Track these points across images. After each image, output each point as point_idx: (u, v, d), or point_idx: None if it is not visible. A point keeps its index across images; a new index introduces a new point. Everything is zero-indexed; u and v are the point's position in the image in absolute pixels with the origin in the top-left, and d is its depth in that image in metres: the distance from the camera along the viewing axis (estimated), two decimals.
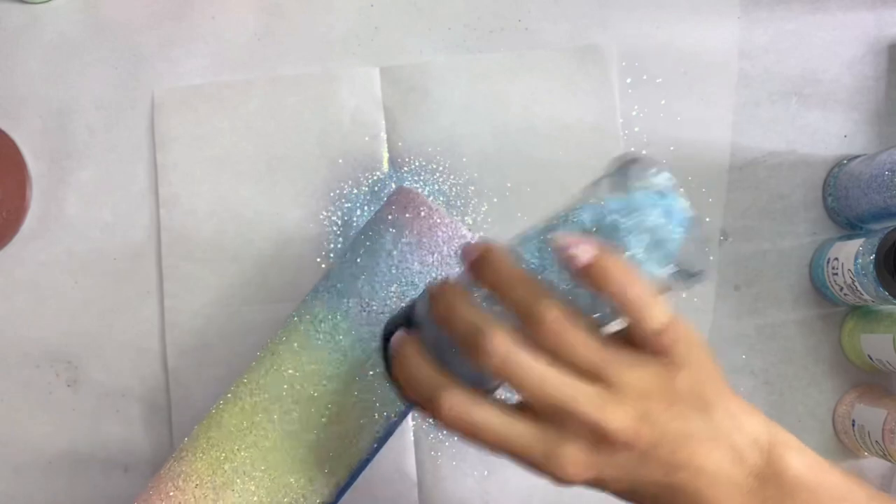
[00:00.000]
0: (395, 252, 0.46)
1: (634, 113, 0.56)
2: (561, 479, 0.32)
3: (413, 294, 0.45)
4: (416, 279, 0.45)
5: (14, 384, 0.55)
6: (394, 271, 0.45)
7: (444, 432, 0.52)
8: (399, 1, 0.56)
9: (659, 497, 0.32)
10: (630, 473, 0.32)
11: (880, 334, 0.51)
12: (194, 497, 0.43)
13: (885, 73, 0.56)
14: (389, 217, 0.47)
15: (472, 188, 0.55)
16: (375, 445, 0.45)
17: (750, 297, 0.55)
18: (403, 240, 0.46)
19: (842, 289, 0.51)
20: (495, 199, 0.55)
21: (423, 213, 0.46)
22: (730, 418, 0.32)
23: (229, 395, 0.45)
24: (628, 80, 0.56)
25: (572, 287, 0.33)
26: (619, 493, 0.33)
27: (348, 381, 0.44)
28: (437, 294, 0.34)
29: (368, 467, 0.54)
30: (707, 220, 0.55)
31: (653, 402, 0.31)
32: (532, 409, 0.32)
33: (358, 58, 0.56)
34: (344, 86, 0.56)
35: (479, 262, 0.33)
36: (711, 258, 0.55)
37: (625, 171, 0.33)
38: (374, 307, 0.45)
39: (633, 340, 0.32)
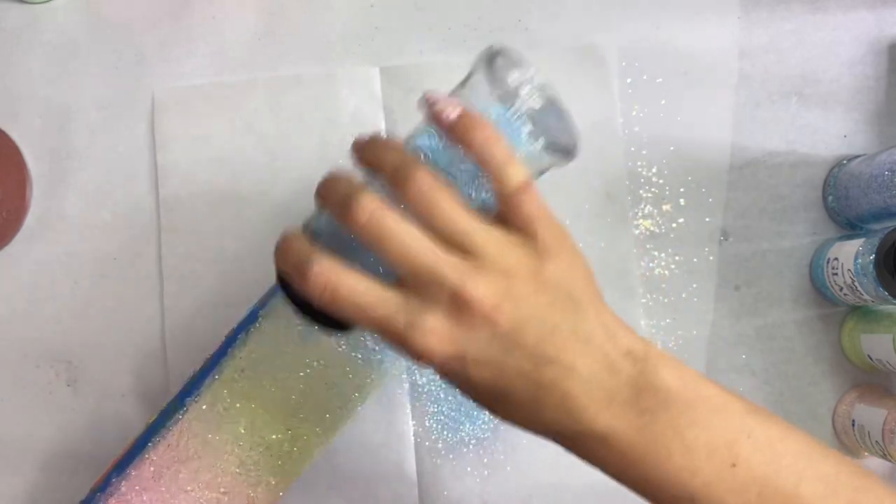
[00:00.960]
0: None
1: (634, 113, 0.56)
2: (420, 351, 0.31)
3: None
4: None
5: (14, 384, 0.55)
6: None
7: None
8: (399, 1, 0.56)
9: (526, 398, 0.31)
10: (494, 357, 0.30)
11: (880, 334, 0.51)
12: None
13: (885, 73, 0.56)
14: None
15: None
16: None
17: (750, 297, 0.55)
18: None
19: (842, 289, 0.51)
20: None
21: None
22: (602, 325, 0.32)
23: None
24: (628, 80, 0.56)
25: (450, 161, 0.34)
26: (483, 389, 0.32)
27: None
28: (322, 180, 0.33)
29: (368, 467, 0.54)
30: (707, 220, 0.55)
31: (517, 282, 0.31)
32: (403, 283, 0.31)
33: (358, 58, 0.56)
34: (344, 86, 0.56)
35: (363, 146, 0.34)
36: (711, 258, 0.55)
37: (492, 64, 0.35)
38: None
39: (502, 220, 0.32)
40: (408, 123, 0.55)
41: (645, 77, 0.56)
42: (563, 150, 0.34)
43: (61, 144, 0.56)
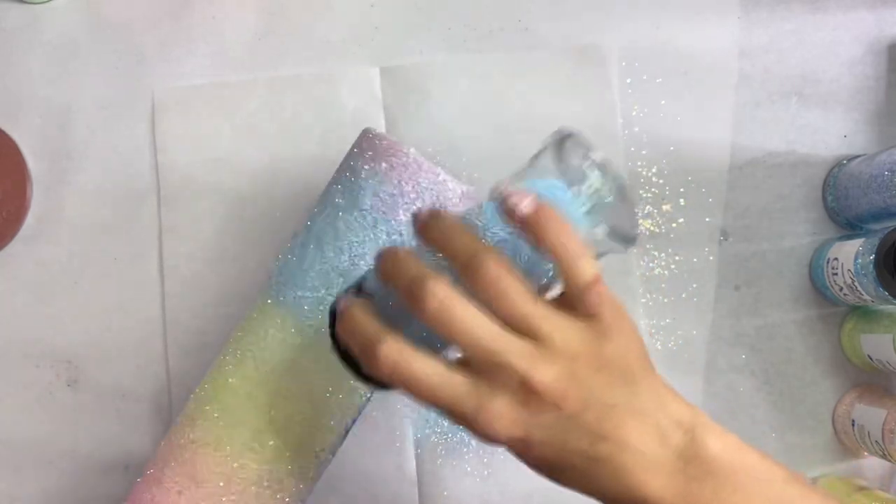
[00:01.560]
0: (377, 206, 0.45)
1: (634, 113, 0.56)
2: (488, 433, 0.32)
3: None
4: (404, 230, 0.45)
5: (14, 384, 0.55)
6: (380, 226, 0.45)
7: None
8: (399, 1, 0.56)
9: (583, 471, 0.32)
10: (556, 437, 0.32)
11: (880, 334, 0.51)
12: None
13: (885, 73, 0.56)
14: (366, 168, 0.46)
15: (473, 188, 0.55)
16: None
17: (750, 297, 0.55)
18: (384, 191, 0.45)
19: (841, 289, 0.51)
20: None
21: (402, 161, 0.45)
22: (655, 396, 0.33)
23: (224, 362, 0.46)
24: (628, 80, 0.56)
25: (515, 248, 0.34)
26: (544, 464, 0.33)
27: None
28: (383, 254, 0.34)
29: (368, 467, 0.54)
30: (707, 220, 0.55)
31: (581, 365, 0.32)
32: (467, 364, 0.32)
33: (358, 58, 0.56)
34: (344, 86, 0.56)
35: (426, 224, 0.34)
36: (711, 258, 0.55)
37: (561, 145, 0.35)
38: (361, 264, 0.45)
39: (566, 303, 0.33)
40: (407, 123, 0.55)
41: (645, 77, 0.56)
42: (625, 238, 0.34)
43: (61, 144, 0.56)
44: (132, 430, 0.54)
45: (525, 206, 0.32)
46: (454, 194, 0.45)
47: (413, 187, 0.44)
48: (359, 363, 0.35)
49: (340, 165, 0.48)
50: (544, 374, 0.31)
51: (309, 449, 0.45)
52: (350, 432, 0.54)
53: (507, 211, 0.33)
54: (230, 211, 0.55)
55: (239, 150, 0.56)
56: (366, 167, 0.46)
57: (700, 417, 0.33)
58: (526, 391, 0.31)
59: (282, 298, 0.46)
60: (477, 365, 0.32)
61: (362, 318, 0.33)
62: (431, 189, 0.45)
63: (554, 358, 0.32)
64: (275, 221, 0.55)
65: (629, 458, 0.32)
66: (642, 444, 0.32)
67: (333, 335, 0.37)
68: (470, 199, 0.46)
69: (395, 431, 0.54)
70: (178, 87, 0.56)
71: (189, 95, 0.56)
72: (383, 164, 0.45)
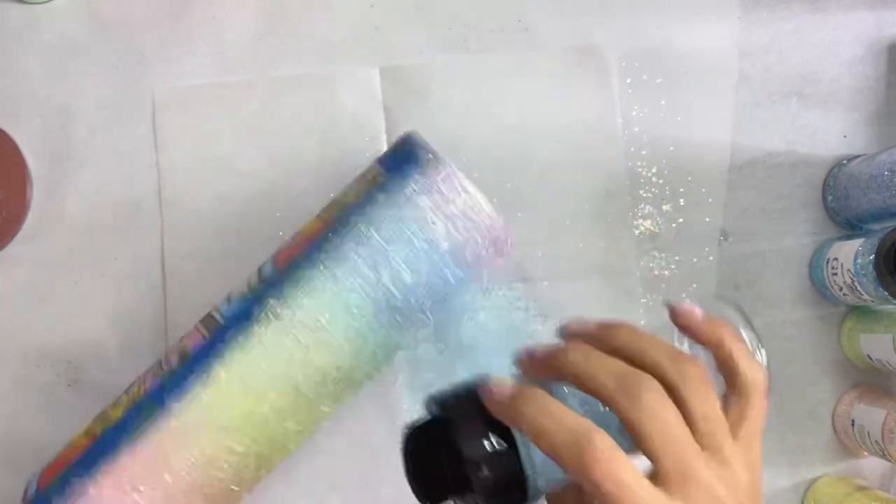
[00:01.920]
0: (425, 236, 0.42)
1: (634, 113, 0.56)
2: None
3: (441, 288, 0.43)
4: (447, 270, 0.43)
5: (14, 384, 0.55)
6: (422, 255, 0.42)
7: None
8: (399, 1, 0.56)
9: None
10: None
11: (880, 334, 0.51)
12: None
13: (885, 73, 0.56)
14: (415, 187, 0.42)
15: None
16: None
17: (750, 297, 0.55)
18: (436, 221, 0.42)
19: (841, 289, 0.51)
20: (495, 199, 0.55)
21: (456, 194, 0.42)
22: None
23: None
24: (628, 80, 0.56)
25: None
26: None
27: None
28: (521, 398, 0.30)
29: (368, 467, 0.54)
30: (707, 220, 0.55)
31: (740, 478, 0.30)
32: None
33: (358, 58, 0.56)
34: (344, 86, 0.56)
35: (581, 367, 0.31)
36: (711, 258, 0.55)
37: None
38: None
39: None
40: (408, 123, 0.55)
41: (645, 77, 0.56)
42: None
43: (62, 144, 0.56)
44: None
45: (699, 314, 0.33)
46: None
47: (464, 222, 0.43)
48: (432, 482, 0.32)
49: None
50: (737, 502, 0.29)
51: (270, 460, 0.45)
52: (350, 433, 0.54)
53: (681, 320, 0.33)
54: (230, 211, 0.55)
55: (239, 150, 0.56)
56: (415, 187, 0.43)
57: None
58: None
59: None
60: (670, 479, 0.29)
61: (555, 408, 0.29)
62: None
63: (740, 490, 0.30)
64: (275, 221, 0.55)
65: None
66: None
67: (412, 457, 0.33)
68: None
69: (396, 431, 0.54)
70: (178, 87, 0.56)
71: (189, 95, 0.56)
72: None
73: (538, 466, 0.31)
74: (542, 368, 0.32)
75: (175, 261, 0.55)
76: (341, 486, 0.54)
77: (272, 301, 0.43)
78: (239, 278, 0.55)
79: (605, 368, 0.30)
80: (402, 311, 0.42)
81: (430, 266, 0.42)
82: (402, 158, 0.44)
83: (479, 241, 0.42)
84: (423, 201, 0.42)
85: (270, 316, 0.42)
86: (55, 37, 0.56)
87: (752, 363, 0.32)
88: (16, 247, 0.55)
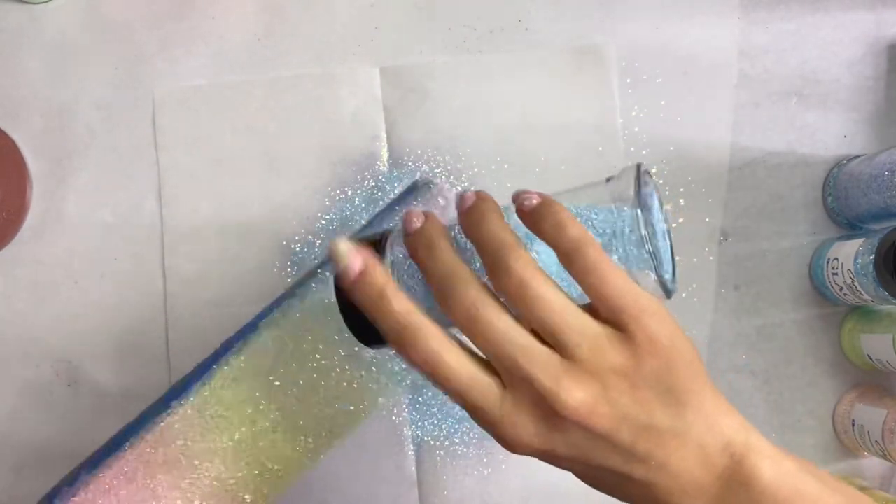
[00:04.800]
0: None
1: (634, 113, 0.56)
2: (510, 442, 0.31)
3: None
4: None
5: (14, 384, 0.55)
6: None
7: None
8: (399, 1, 0.56)
9: (613, 486, 0.31)
10: (585, 455, 0.30)
11: (880, 334, 0.51)
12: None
13: (884, 74, 0.56)
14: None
15: (472, 188, 0.55)
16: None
17: (750, 297, 0.55)
18: None
19: (841, 289, 0.51)
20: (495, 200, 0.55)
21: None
22: (702, 416, 0.30)
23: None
24: (628, 80, 0.56)
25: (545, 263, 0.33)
26: (574, 472, 0.32)
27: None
28: (418, 232, 0.32)
29: (368, 467, 0.54)
30: (707, 220, 0.55)
31: (614, 382, 0.29)
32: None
33: (358, 58, 0.56)
34: (344, 86, 0.56)
35: (469, 210, 0.32)
36: (711, 258, 0.55)
37: (631, 180, 0.32)
38: None
39: (595, 311, 0.31)
40: (407, 124, 0.55)
41: (645, 77, 0.56)
42: (666, 291, 0.32)
43: (62, 144, 0.56)
44: None
45: (534, 199, 0.31)
46: None
47: None
48: (364, 323, 0.33)
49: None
50: (571, 394, 0.29)
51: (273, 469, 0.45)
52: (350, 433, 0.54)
53: (517, 205, 0.32)
54: (230, 211, 0.55)
55: (239, 150, 0.56)
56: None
57: (754, 439, 0.30)
58: (551, 409, 0.29)
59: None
60: (503, 373, 0.30)
61: (396, 299, 0.31)
62: None
63: (582, 373, 0.29)
64: (275, 221, 0.55)
65: (665, 480, 0.30)
66: (681, 467, 0.29)
67: (339, 290, 0.34)
68: None
69: (395, 431, 0.54)
70: (178, 87, 0.56)
71: (189, 96, 0.56)
72: None
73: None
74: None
75: (175, 260, 0.55)
76: (341, 485, 0.54)
77: (276, 311, 0.46)
78: (238, 278, 0.55)
79: (437, 262, 0.31)
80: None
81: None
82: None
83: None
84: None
85: (269, 324, 0.45)
86: (55, 37, 0.56)
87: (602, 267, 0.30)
88: (16, 247, 0.55)
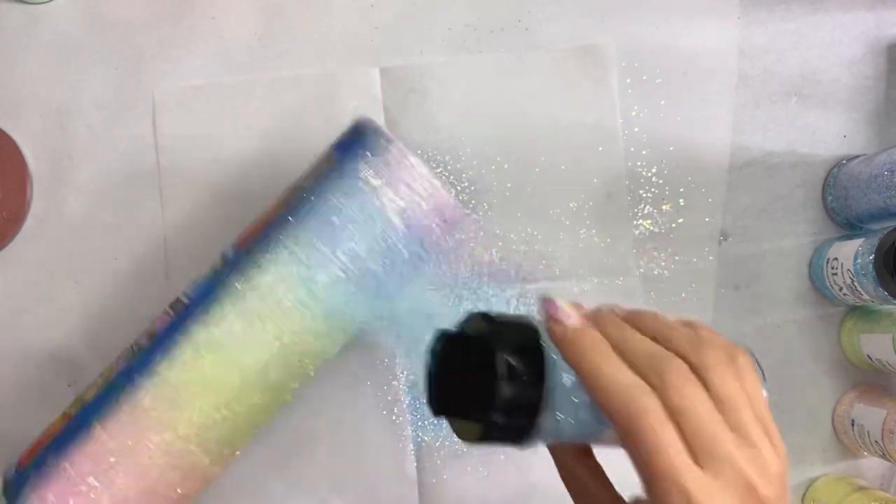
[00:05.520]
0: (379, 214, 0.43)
1: (634, 113, 0.56)
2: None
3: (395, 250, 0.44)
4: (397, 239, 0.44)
5: (14, 384, 0.55)
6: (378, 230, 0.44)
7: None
8: (399, 1, 0.56)
9: None
10: None
11: (880, 334, 0.51)
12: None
13: (884, 73, 0.56)
14: (363, 164, 0.44)
15: (473, 188, 0.55)
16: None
17: (750, 297, 0.55)
18: (387, 200, 0.43)
19: (841, 289, 0.51)
20: (495, 200, 0.55)
21: (402, 168, 0.43)
22: None
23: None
24: (628, 81, 0.56)
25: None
26: None
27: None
28: (586, 336, 0.31)
29: (368, 467, 0.54)
30: (707, 220, 0.55)
31: (781, 471, 0.33)
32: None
33: (358, 58, 0.56)
34: (344, 86, 0.56)
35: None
36: (711, 258, 0.55)
37: None
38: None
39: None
40: (407, 124, 0.55)
41: (645, 77, 0.56)
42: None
43: (62, 144, 0.56)
44: None
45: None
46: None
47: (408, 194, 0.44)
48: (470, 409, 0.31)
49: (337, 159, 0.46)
50: (768, 488, 0.31)
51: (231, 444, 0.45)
52: (350, 432, 0.54)
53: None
54: (231, 211, 0.55)
55: (239, 151, 0.56)
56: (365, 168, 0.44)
57: None
58: (751, 495, 0.30)
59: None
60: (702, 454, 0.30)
61: (616, 360, 0.30)
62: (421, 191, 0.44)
63: (771, 475, 0.32)
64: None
65: None
66: None
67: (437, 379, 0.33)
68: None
69: (396, 431, 0.54)
70: (178, 87, 0.56)
71: (189, 96, 0.56)
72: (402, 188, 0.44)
73: (557, 405, 0.31)
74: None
75: (176, 260, 0.55)
76: (341, 485, 0.54)
77: (232, 279, 0.44)
78: None
79: (635, 344, 0.31)
80: (357, 282, 0.43)
81: (382, 237, 0.43)
82: (354, 140, 0.46)
83: (425, 208, 0.43)
84: (371, 176, 0.43)
85: (231, 293, 0.44)
86: (55, 37, 0.56)
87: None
88: (16, 247, 0.55)
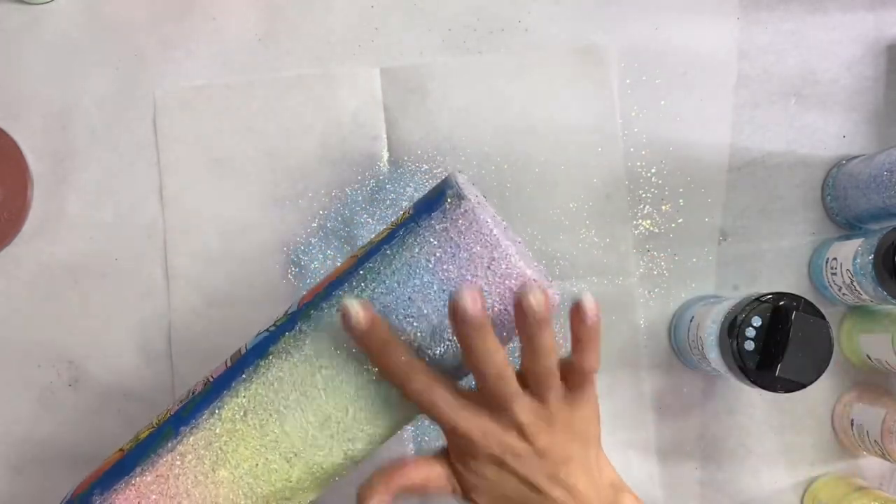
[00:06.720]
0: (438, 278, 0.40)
1: (634, 113, 0.56)
2: (461, 435, 0.39)
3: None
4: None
5: (15, 384, 0.55)
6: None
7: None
8: (399, 1, 0.56)
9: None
10: (524, 466, 0.39)
11: (879, 334, 0.51)
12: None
13: (884, 74, 0.56)
14: (430, 225, 0.40)
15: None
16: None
17: None
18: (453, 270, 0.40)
19: (840, 288, 0.51)
20: (495, 200, 0.55)
21: (473, 235, 0.39)
22: (598, 461, 0.41)
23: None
24: (628, 81, 0.56)
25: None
26: (500, 494, 0.40)
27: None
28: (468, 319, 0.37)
29: (368, 467, 0.54)
30: (707, 220, 0.55)
31: (558, 420, 0.40)
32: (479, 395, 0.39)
33: (358, 58, 0.56)
34: (344, 86, 0.56)
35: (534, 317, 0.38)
36: (710, 258, 0.55)
37: None
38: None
39: (564, 371, 0.39)
40: (407, 124, 0.56)
41: (644, 78, 0.56)
42: None
43: (62, 144, 0.56)
44: (134, 430, 0.54)
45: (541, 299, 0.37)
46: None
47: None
48: None
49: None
50: (526, 417, 0.39)
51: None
52: None
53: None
54: (231, 211, 0.55)
55: (239, 150, 0.56)
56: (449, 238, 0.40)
57: (623, 483, 0.42)
58: (515, 421, 0.39)
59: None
60: (488, 399, 0.39)
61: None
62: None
63: (538, 409, 0.39)
64: (275, 221, 0.55)
65: (574, 502, 0.40)
66: (585, 492, 0.40)
67: None
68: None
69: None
70: (178, 87, 0.56)
71: (190, 96, 0.56)
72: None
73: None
74: None
75: (177, 260, 0.55)
76: (341, 486, 0.54)
77: (287, 335, 0.41)
78: (241, 278, 0.55)
79: (487, 363, 0.38)
80: (417, 351, 0.40)
81: (441, 306, 0.40)
82: (431, 198, 0.42)
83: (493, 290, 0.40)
84: (435, 239, 0.40)
85: (280, 351, 0.41)
86: (55, 37, 0.56)
87: (593, 355, 0.39)
88: (16, 247, 0.55)
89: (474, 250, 0.39)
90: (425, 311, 0.39)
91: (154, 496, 0.41)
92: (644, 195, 0.55)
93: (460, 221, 0.39)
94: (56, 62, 0.56)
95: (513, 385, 0.39)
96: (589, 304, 0.38)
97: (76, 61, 0.56)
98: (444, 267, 0.39)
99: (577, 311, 0.39)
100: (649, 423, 0.54)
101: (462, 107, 0.56)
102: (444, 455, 0.42)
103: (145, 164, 0.56)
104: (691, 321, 0.52)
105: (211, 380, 0.43)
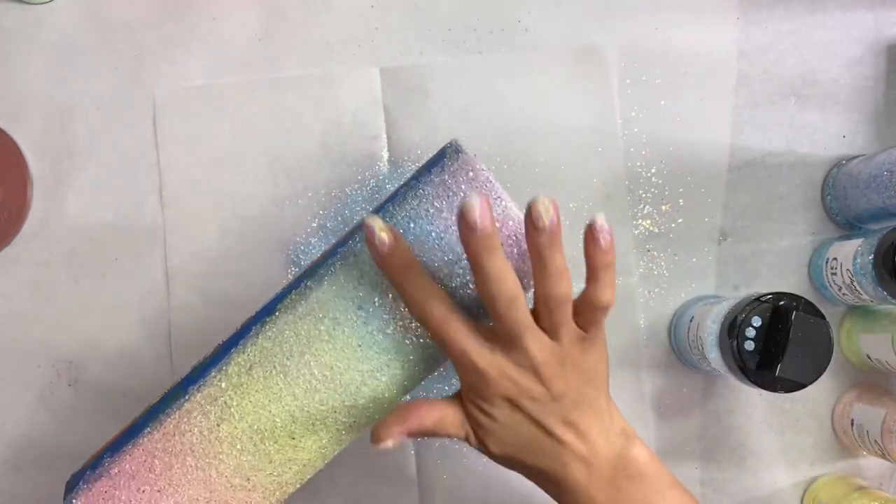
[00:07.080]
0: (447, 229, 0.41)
1: (634, 113, 0.56)
2: (470, 365, 0.39)
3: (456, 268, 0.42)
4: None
5: (15, 384, 0.55)
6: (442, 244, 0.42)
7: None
8: (399, 1, 0.56)
9: (544, 450, 0.40)
10: (538, 409, 0.39)
11: (879, 334, 0.51)
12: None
13: (883, 74, 0.56)
14: (450, 187, 0.42)
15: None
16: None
17: None
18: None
19: (840, 288, 0.51)
20: None
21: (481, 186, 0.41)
22: (609, 406, 0.41)
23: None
24: (628, 81, 0.56)
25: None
26: (513, 440, 0.40)
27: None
28: (485, 251, 0.37)
29: (368, 467, 0.54)
30: (706, 220, 0.55)
31: (569, 361, 0.39)
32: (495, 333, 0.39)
33: (358, 59, 0.56)
34: (344, 86, 0.56)
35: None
36: (710, 258, 0.55)
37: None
38: None
39: (577, 308, 0.39)
40: (408, 124, 0.56)
41: (644, 78, 0.56)
42: None
43: (62, 144, 0.56)
44: None
45: (551, 216, 0.38)
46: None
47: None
48: None
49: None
50: (543, 354, 0.38)
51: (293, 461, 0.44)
52: None
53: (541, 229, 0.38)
54: (231, 211, 0.55)
55: (239, 151, 0.56)
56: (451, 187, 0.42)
57: (633, 431, 0.41)
58: (529, 361, 0.38)
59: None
60: (502, 334, 0.38)
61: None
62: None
63: (557, 350, 0.39)
64: (276, 221, 0.55)
65: (583, 446, 0.39)
66: (595, 438, 0.39)
67: None
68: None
69: None
70: (178, 87, 0.56)
71: (190, 96, 0.56)
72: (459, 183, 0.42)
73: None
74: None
75: (177, 260, 0.55)
76: (341, 486, 0.54)
77: (293, 293, 0.42)
78: (240, 278, 0.55)
79: (500, 287, 0.38)
80: None
81: (444, 255, 0.41)
82: (432, 163, 0.44)
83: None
84: (432, 189, 0.42)
85: (286, 307, 0.42)
86: (55, 37, 0.56)
87: (609, 289, 0.39)
88: (16, 247, 0.55)
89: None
90: (424, 259, 0.41)
91: (160, 453, 0.42)
92: (644, 195, 0.55)
93: (457, 171, 0.42)
94: (56, 62, 0.56)
95: (526, 315, 0.38)
96: (601, 222, 0.38)
97: (76, 61, 0.56)
98: (444, 216, 0.41)
99: (590, 232, 0.38)
100: (649, 423, 0.54)
101: (462, 107, 0.56)
102: (458, 400, 0.41)
103: (145, 164, 0.56)
104: (691, 321, 0.52)
105: (221, 344, 0.44)
